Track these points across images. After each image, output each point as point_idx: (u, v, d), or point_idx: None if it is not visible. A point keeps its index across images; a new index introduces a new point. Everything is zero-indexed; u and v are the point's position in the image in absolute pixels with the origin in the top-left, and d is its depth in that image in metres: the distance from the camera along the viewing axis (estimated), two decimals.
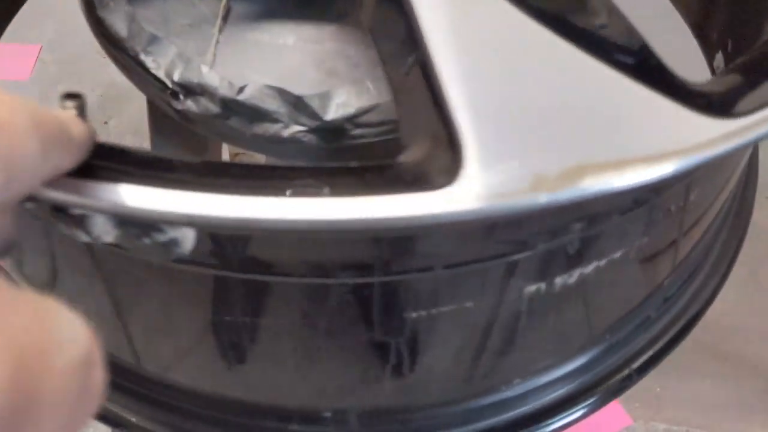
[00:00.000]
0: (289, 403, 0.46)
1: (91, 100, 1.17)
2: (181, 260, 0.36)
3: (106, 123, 1.14)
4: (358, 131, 0.37)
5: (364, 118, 0.37)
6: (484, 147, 0.26)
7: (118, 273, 0.41)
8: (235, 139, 0.39)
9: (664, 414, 0.98)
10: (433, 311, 0.40)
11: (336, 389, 0.45)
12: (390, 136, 0.38)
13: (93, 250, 0.40)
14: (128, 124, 1.14)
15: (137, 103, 1.18)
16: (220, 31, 0.39)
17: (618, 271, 0.45)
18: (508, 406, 0.47)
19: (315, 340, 0.41)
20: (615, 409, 0.96)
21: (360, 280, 0.38)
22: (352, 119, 0.37)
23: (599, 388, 0.49)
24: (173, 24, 0.39)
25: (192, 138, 0.48)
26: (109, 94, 1.17)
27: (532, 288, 0.41)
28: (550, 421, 0.48)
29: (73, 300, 0.48)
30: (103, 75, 1.17)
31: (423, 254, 0.37)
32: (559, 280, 0.42)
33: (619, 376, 0.50)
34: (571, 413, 0.48)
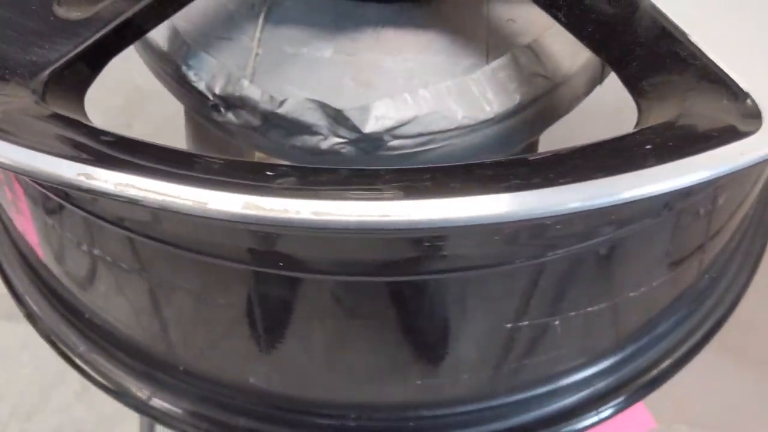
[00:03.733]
0: (320, 396, 0.46)
1: (115, 104, 1.18)
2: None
3: (130, 126, 1.15)
4: (396, 143, 0.38)
5: (403, 130, 0.37)
6: None
7: (156, 267, 0.41)
8: (274, 150, 0.40)
9: (687, 416, 0.98)
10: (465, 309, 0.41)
11: (365, 383, 0.46)
12: (428, 147, 0.38)
13: (133, 244, 0.40)
14: (152, 128, 1.15)
15: (161, 107, 1.19)
16: (259, 44, 0.40)
17: (647, 274, 0.45)
18: (535, 404, 0.47)
19: (346, 334, 0.42)
20: (638, 410, 0.96)
21: (393, 279, 0.39)
22: (390, 131, 0.37)
23: (626, 389, 0.50)
24: (213, 38, 0.40)
25: (229, 148, 0.49)
26: (133, 98, 1.18)
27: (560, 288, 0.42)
28: (576, 420, 0.48)
29: (111, 294, 0.49)
30: (126, 79, 1.18)
31: (453, 255, 0.38)
32: (587, 280, 0.42)
33: (645, 378, 0.51)
34: (598, 413, 0.49)
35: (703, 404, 0.99)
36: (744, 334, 1.02)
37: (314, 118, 0.37)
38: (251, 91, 0.38)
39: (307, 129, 0.38)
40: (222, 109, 0.39)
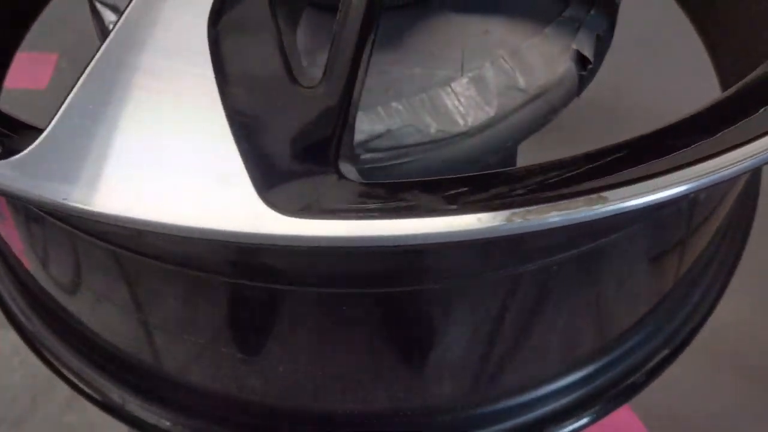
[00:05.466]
0: (304, 406, 0.46)
1: None
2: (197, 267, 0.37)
3: None
4: (368, 156, 0.37)
5: (375, 144, 0.37)
6: None
7: (140, 276, 0.41)
8: None
9: (678, 425, 0.97)
10: (441, 320, 0.41)
11: (347, 392, 0.46)
12: (401, 161, 0.38)
13: (117, 255, 0.40)
14: None
15: None
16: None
17: (625, 284, 0.45)
18: (512, 413, 0.47)
19: (328, 343, 0.42)
20: (631, 421, 0.96)
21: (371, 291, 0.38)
22: (363, 144, 0.37)
23: (602, 397, 0.50)
24: None
25: None
26: None
27: (537, 299, 0.41)
28: (554, 429, 0.48)
29: (96, 301, 0.49)
30: None
31: (433, 267, 0.37)
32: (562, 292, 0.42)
33: (621, 387, 0.51)
34: (575, 421, 0.49)
35: (695, 413, 0.99)
36: (738, 341, 1.01)
37: None
38: None
39: None
40: None
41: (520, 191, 0.27)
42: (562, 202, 0.26)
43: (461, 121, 0.37)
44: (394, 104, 0.37)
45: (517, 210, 0.26)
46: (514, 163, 0.45)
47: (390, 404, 0.46)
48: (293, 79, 0.30)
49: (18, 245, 0.50)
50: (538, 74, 0.39)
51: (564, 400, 0.49)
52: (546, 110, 0.39)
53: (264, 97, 0.30)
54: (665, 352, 0.52)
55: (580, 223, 0.26)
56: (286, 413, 0.46)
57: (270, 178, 0.28)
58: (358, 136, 0.37)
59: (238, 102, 0.30)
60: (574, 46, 0.39)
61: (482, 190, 0.27)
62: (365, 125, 0.37)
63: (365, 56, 0.32)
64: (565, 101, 0.40)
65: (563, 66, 0.39)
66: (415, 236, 0.26)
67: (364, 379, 0.45)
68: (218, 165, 0.28)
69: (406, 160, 0.38)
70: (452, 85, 0.38)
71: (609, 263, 0.41)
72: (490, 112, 0.38)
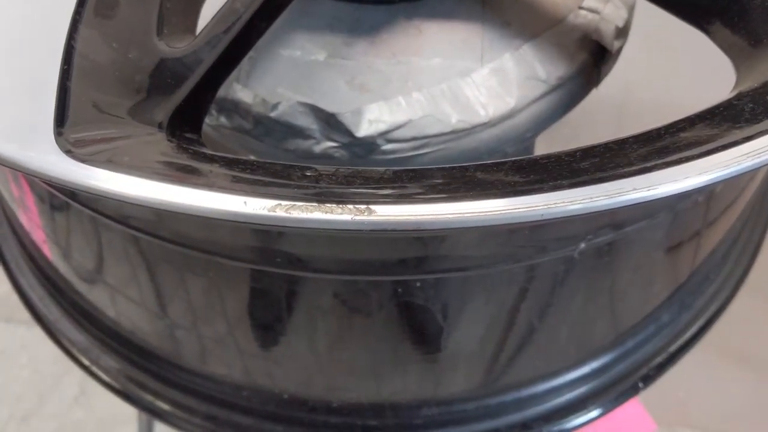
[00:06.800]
0: (322, 395, 0.46)
1: None
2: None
3: None
4: (389, 146, 0.37)
5: (396, 134, 0.37)
6: None
7: (161, 263, 0.41)
8: (267, 154, 0.39)
9: (688, 419, 0.97)
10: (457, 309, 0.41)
11: (366, 380, 0.46)
12: (422, 152, 0.38)
13: (139, 241, 0.40)
14: None
15: None
16: (253, 47, 0.39)
17: (639, 274, 0.45)
18: (521, 405, 0.48)
19: (346, 331, 0.42)
20: (639, 413, 0.96)
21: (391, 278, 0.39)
22: (384, 135, 0.37)
23: (614, 388, 0.50)
24: None
25: (220, 149, 0.49)
26: None
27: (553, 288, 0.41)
28: (565, 420, 0.49)
29: (118, 289, 0.49)
30: None
31: (452, 256, 0.38)
32: (578, 284, 0.42)
33: (634, 378, 0.51)
34: (584, 414, 0.49)
35: (705, 407, 0.99)
36: (746, 337, 1.01)
37: (307, 121, 0.37)
38: (244, 94, 0.37)
39: (300, 133, 0.37)
40: (214, 112, 0.38)
41: (315, 188, 0.25)
42: (332, 206, 0.24)
43: (482, 112, 0.37)
44: (415, 95, 0.37)
45: (284, 203, 0.24)
46: (531, 152, 0.45)
47: (408, 395, 0.46)
48: (160, 35, 0.30)
49: (40, 236, 0.50)
50: (558, 65, 0.39)
51: (574, 393, 0.49)
52: (565, 101, 0.40)
53: (118, 44, 0.29)
54: (676, 345, 0.52)
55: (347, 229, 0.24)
56: (310, 402, 0.47)
57: (78, 121, 0.27)
58: (379, 126, 0.37)
59: (88, 42, 0.29)
60: (593, 37, 0.39)
61: (280, 177, 0.26)
62: (386, 116, 0.37)
63: (251, 38, 0.31)
64: (584, 92, 0.40)
65: (582, 56, 0.39)
66: (171, 204, 0.25)
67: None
68: (29, 96, 0.28)
69: (427, 150, 0.38)
70: (473, 75, 0.38)
71: (626, 255, 0.41)
72: (511, 102, 0.38)
